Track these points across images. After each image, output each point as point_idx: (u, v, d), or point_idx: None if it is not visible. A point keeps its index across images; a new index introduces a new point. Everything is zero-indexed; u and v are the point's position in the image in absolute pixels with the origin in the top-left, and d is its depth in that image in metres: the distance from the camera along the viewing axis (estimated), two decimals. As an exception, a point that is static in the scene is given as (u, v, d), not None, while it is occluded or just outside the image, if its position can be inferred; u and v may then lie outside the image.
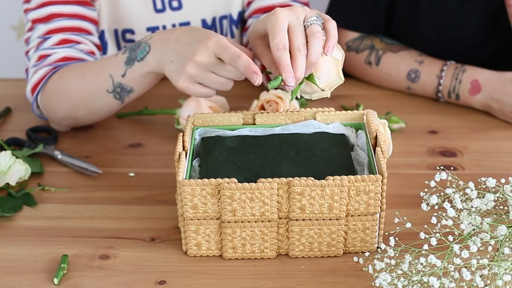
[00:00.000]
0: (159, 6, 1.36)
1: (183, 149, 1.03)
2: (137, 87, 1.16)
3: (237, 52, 1.00)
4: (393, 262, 0.92)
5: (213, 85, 1.05)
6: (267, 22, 1.03)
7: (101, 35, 1.37)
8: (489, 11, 1.37)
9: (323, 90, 1.04)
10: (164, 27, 1.38)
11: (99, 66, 1.20)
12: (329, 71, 1.04)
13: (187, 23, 1.38)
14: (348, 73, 1.46)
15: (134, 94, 1.18)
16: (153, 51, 1.10)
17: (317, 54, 1.01)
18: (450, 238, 0.90)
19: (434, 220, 0.92)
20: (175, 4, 1.37)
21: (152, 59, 1.10)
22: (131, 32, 1.38)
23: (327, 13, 1.06)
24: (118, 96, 1.18)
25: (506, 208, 0.97)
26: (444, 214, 0.92)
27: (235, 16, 1.41)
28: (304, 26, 1.02)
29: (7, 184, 1.15)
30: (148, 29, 1.37)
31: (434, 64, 1.37)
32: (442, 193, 0.94)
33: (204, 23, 1.39)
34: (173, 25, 1.38)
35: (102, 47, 1.38)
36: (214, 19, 1.40)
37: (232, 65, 1.01)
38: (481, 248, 0.91)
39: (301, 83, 1.03)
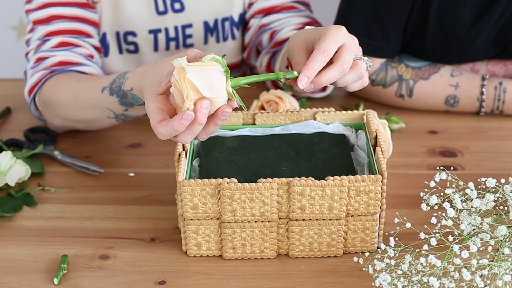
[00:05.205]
0: (161, 8, 1.36)
1: (183, 149, 1.03)
2: (142, 113, 1.13)
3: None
4: (393, 262, 0.92)
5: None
6: (326, 29, 0.97)
7: (103, 38, 1.37)
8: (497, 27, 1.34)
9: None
10: (166, 30, 1.37)
11: (95, 100, 1.14)
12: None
13: (189, 25, 1.38)
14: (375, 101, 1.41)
15: (138, 116, 1.17)
16: (144, 98, 1.01)
17: (345, 82, 0.97)
18: (450, 238, 0.90)
19: (434, 220, 0.92)
20: (177, 6, 1.37)
21: None
22: (133, 34, 1.37)
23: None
24: (122, 120, 1.17)
25: (506, 208, 0.97)
26: (444, 214, 0.92)
27: (236, 17, 1.41)
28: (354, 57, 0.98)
29: (7, 184, 1.15)
30: (150, 31, 1.37)
31: (471, 85, 1.33)
32: (442, 193, 0.94)
33: (206, 25, 1.39)
34: (175, 27, 1.38)
35: (104, 50, 1.38)
36: (216, 21, 1.40)
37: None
38: (481, 248, 0.91)
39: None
